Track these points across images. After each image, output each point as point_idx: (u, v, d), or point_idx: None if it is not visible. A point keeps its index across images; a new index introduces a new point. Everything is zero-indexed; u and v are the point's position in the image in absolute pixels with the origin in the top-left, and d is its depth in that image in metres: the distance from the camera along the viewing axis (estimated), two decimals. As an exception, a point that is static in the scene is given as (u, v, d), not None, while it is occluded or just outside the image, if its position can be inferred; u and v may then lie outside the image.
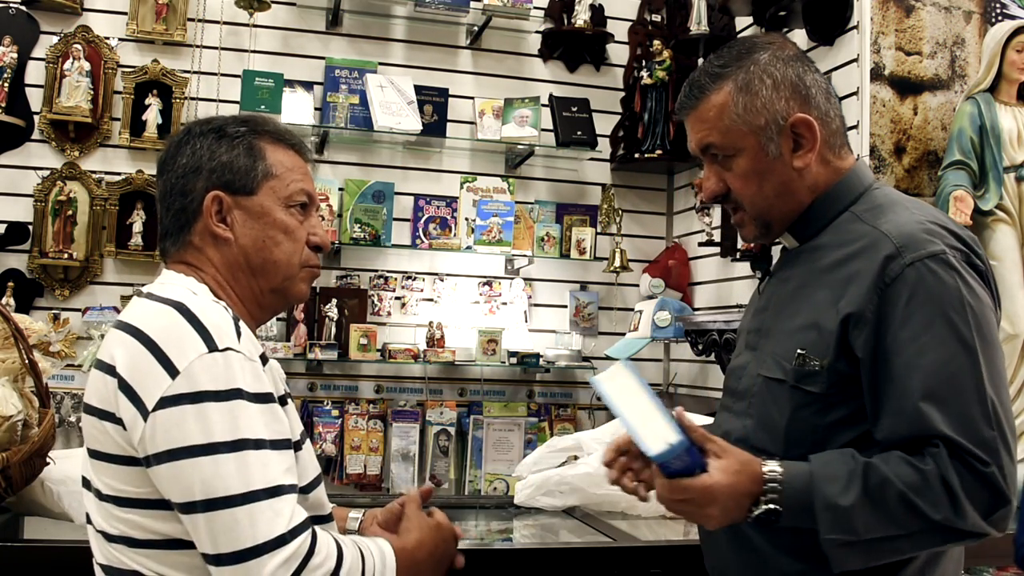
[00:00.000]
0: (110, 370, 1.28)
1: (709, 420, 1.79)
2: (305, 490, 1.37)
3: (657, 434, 1.29)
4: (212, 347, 1.25)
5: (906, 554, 1.32)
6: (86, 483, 1.36)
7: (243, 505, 1.20)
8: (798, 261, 1.51)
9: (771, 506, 1.29)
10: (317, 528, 1.28)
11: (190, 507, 1.21)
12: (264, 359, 1.34)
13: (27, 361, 1.92)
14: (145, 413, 1.22)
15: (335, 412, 3.56)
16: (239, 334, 1.30)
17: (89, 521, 1.35)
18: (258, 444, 1.24)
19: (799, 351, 1.39)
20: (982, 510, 1.27)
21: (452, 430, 3.64)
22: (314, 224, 1.48)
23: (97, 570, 1.34)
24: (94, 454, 1.31)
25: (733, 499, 1.30)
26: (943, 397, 1.28)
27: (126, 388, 1.25)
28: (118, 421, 1.26)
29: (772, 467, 1.31)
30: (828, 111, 1.48)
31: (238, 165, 1.41)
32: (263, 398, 1.28)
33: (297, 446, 1.36)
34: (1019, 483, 2.09)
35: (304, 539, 1.23)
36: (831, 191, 1.48)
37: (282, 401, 1.36)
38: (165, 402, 1.22)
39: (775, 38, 1.54)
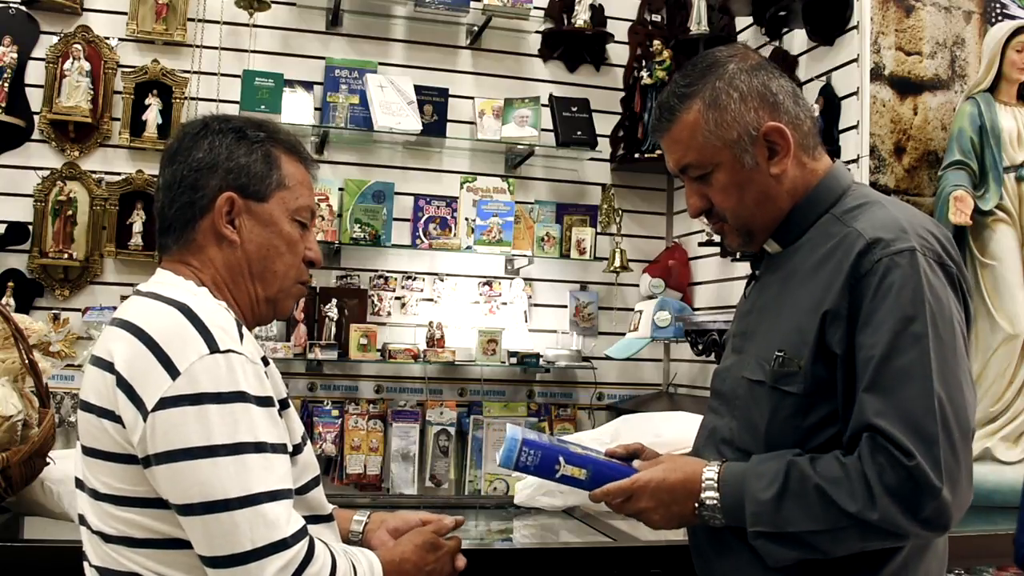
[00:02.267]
0: (108, 367, 1.27)
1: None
2: (303, 491, 1.37)
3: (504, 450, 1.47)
4: (214, 348, 1.24)
5: (834, 550, 1.33)
6: (79, 483, 1.35)
7: (242, 508, 1.20)
8: (781, 265, 1.52)
9: (711, 502, 1.40)
10: (314, 535, 1.28)
11: (188, 509, 1.21)
12: (265, 361, 1.34)
13: (27, 361, 1.92)
14: (145, 413, 1.22)
15: (335, 412, 3.56)
16: (241, 336, 1.30)
17: (83, 523, 1.34)
18: (259, 447, 1.23)
19: (778, 352, 1.40)
20: (905, 506, 1.26)
21: (452, 430, 3.64)
22: (311, 240, 1.48)
23: (91, 572, 1.33)
24: (91, 452, 1.30)
25: (669, 494, 1.42)
26: (885, 387, 1.29)
27: (125, 386, 1.24)
28: (117, 419, 1.25)
29: (712, 467, 1.42)
30: (798, 114, 1.49)
31: (255, 170, 1.41)
32: (264, 401, 1.28)
33: (298, 448, 1.36)
34: (1020, 483, 2.09)
35: (303, 544, 1.24)
36: (811, 196, 1.49)
37: (284, 404, 1.36)
38: (165, 403, 1.21)
39: (736, 49, 1.55)
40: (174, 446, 1.21)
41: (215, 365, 1.23)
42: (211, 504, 1.19)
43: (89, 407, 1.31)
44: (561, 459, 1.47)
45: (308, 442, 1.43)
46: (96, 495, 1.30)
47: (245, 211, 1.40)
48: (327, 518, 1.45)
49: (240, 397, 1.24)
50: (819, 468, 1.32)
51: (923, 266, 1.33)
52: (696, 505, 1.41)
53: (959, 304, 1.37)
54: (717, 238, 3.46)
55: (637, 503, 1.45)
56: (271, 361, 1.38)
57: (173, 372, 1.22)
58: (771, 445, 1.40)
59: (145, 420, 1.22)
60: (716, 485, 1.39)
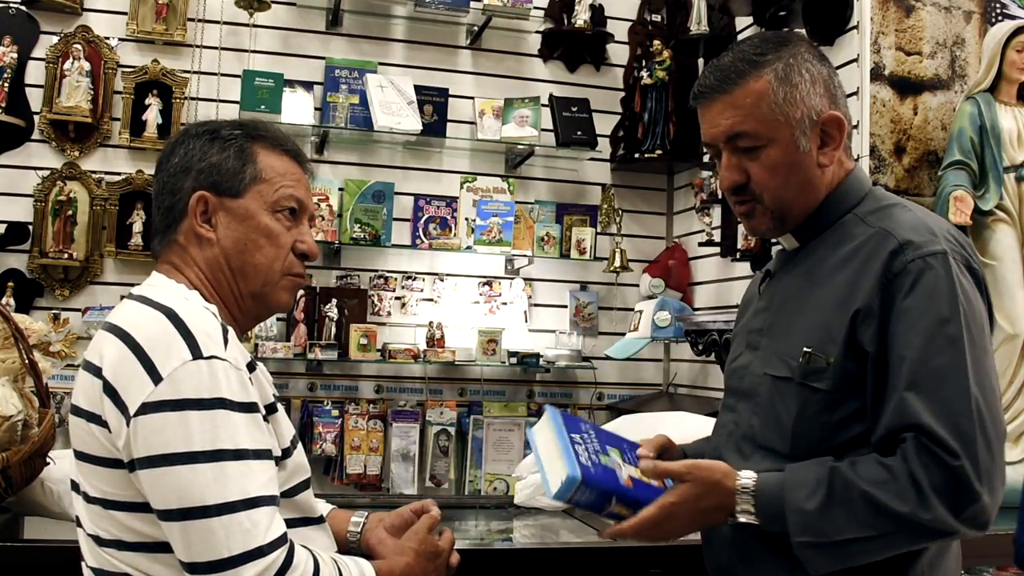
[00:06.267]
0: (96, 371, 1.27)
1: (710, 420, 1.79)
2: (292, 493, 1.37)
3: (555, 472, 1.37)
4: (197, 354, 1.24)
5: (879, 556, 1.32)
6: (74, 486, 1.35)
7: (219, 516, 1.19)
8: (800, 261, 1.51)
9: (747, 518, 1.35)
10: (296, 541, 1.28)
11: (167, 515, 1.21)
12: (251, 367, 1.33)
13: (27, 361, 1.92)
14: (128, 418, 1.22)
15: (335, 412, 3.56)
16: (226, 342, 1.28)
17: (79, 524, 1.35)
18: (238, 454, 1.23)
19: (806, 348, 1.40)
20: (950, 506, 1.27)
21: (452, 430, 3.64)
22: (303, 232, 1.46)
23: (88, 573, 1.33)
24: (81, 456, 1.31)
25: (702, 515, 1.38)
26: (926, 388, 1.29)
27: (110, 391, 1.24)
28: (104, 423, 1.26)
29: (745, 480, 1.36)
30: (846, 113, 1.50)
31: (226, 167, 1.40)
32: (247, 407, 1.27)
33: (287, 452, 1.36)
34: (1020, 483, 2.09)
35: (281, 552, 1.23)
36: (838, 193, 1.49)
37: (272, 408, 1.35)
38: (147, 408, 1.21)
39: (802, 36, 1.54)
40: (154, 451, 1.20)
41: (198, 371, 1.23)
42: (188, 511, 1.19)
43: (79, 411, 1.31)
44: (614, 499, 1.38)
45: (299, 445, 1.42)
46: (88, 499, 1.30)
47: (220, 208, 1.40)
48: (318, 520, 1.45)
49: (222, 404, 1.23)
50: (862, 473, 1.30)
51: (955, 269, 1.34)
52: (729, 518, 1.38)
53: (984, 305, 1.39)
54: (717, 238, 3.46)
55: (669, 524, 1.38)
56: (259, 365, 1.36)
57: (156, 377, 1.22)
58: (797, 441, 1.40)
59: (128, 424, 1.22)
60: (752, 500, 1.35)
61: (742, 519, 1.36)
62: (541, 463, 1.43)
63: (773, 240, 1.61)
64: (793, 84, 1.43)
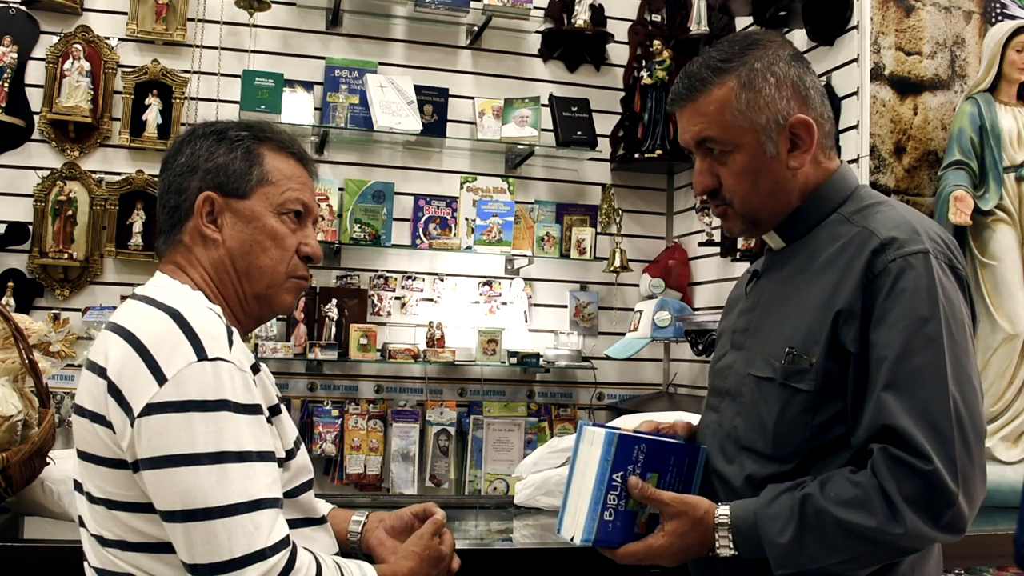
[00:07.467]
0: (101, 372, 1.27)
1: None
2: (295, 493, 1.37)
3: (574, 522, 1.44)
4: (202, 356, 1.23)
5: (864, 571, 1.34)
6: (78, 486, 1.35)
7: (221, 518, 1.19)
8: (786, 262, 1.51)
9: (727, 552, 1.38)
10: (299, 544, 1.28)
11: (170, 516, 1.21)
12: (255, 368, 1.33)
13: (27, 361, 1.92)
14: (132, 418, 1.22)
15: (335, 412, 3.56)
16: (231, 343, 1.28)
17: (82, 524, 1.35)
18: (242, 456, 1.23)
19: (789, 348, 1.40)
20: (928, 514, 1.26)
21: (452, 430, 3.64)
22: (307, 234, 1.46)
23: (91, 573, 1.33)
24: (84, 456, 1.31)
25: (684, 551, 1.41)
26: (903, 388, 1.29)
27: (115, 391, 1.24)
28: (108, 424, 1.25)
29: (722, 517, 1.39)
30: (823, 113, 1.49)
31: (233, 168, 1.40)
32: (251, 409, 1.26)
33: (291, 453, 1.36)
34: (1020, 483, 2.09)
35: (283, 555, 1.23)
36: (820, 192, 1.48)
37: (275, 410, 1.35)
38: (151, 409, 1.21)
39: (775, 36, 1.54)
40: (158, 452, 1.20)
41: (202, 373, 1.23)
42: (191, 512, 1.19)
43: (82, 411, 1.31)
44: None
45: (302, 446, 1.42)
46: (91, 499, 1.30)
47: (226, 209, 1.40)
48: (320, 521, 1.45)
49: (225, 406, 1.23)
50: (832, 494, 1.30)
51: (936, 268, 1.33)
52: (710, 552, 1.41)
53: (967, 306, 1.38)
54: (717, 238, 3.46)
55: (649, 561, 1.44)
56: (262, 367, 1.36)
57: (160, 378, 1.22)
58: (779, 443, 1.40)
59: (132, 425, 1.22)
60: (730, 535, 1.38)
61: (722, 553, 1.38)
62: (568, 492, 1.46)
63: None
64: (756, 89, 1.43)
